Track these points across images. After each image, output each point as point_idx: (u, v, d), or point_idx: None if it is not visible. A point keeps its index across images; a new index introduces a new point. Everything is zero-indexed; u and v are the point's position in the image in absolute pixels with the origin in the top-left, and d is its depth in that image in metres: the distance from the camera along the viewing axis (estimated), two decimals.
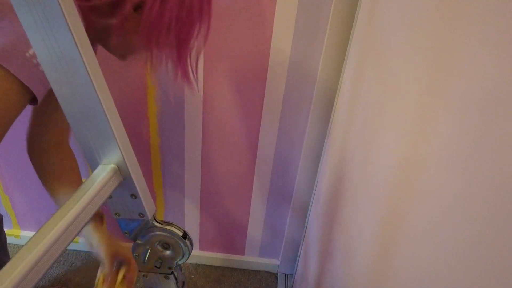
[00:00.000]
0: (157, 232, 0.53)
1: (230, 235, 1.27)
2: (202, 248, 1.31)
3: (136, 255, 0.56)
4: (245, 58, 0.89)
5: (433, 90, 0.38)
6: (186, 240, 0.54)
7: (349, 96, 0.76)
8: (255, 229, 1.24)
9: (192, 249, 0.55)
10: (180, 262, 0.56)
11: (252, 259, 1.32)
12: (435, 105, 0.37)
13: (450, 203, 0.33)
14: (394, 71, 0.50)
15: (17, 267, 0.33)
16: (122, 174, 0.48)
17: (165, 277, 0.58)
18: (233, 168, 1.09)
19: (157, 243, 0.55)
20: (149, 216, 0.52)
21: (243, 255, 1.32)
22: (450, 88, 0.34)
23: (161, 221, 0.54)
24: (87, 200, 0.42)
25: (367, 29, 0.68)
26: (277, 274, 1.33)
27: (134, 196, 0.50)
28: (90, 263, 1.29)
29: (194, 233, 1.27)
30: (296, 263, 1.24)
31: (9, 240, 1.32)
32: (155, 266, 0.56)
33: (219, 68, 0.91)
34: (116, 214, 0.52)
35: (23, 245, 0.36)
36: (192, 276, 1.30)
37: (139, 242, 0.55)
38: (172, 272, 0.57)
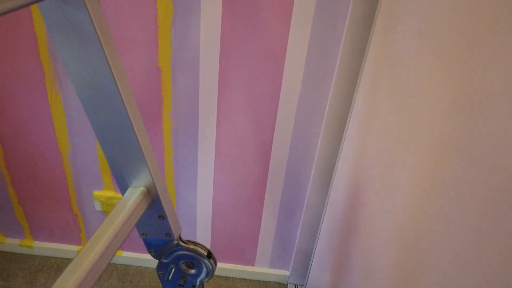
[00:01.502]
0: (183, 252, 0.54)
1: (240, 246, 1.28)
2: None
3: (160, 273, 0.58)
4: (258, 72, 0.91)
5: (454, 114, 0.39)
6: (211, 259, 0.55)
7: (364, 111, 0.77)
8: (266, 240, 1.25)
9: (216, 267, 0.56)
10: (204, 281, 0.57)
11: (262, 270, 1.33)
12: (456, 129, 0.38)
13: (472, 225, 0.34)
14: (411, 87, 0.51)
15: None
16: (151, 196, 0.49)
17: None
18: (245, 180, 1.10)
19: (182, 262, 0.56)
20: (175, 236, 0.53)
21: (253, 265, 1.33)
22: (472, 115, 0.36)
23: (186, 240, 0.55)
24: (120, 226, 0.44)
25: (382, 47, 0.70)
26: (287, 285, 1.34)
27: (162, 217, 0.51)
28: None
29: (205, 244, 1.28)
30: (307, 274, 1.24)
31: (22, 250, 1.33)
32: (179, 284, 0.58)
33: (233, 82, 0.93)
34: (143, 234, 0.54)
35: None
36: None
37: (164, 261, 0.56)
38: None
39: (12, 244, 1.31)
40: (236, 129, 1.00)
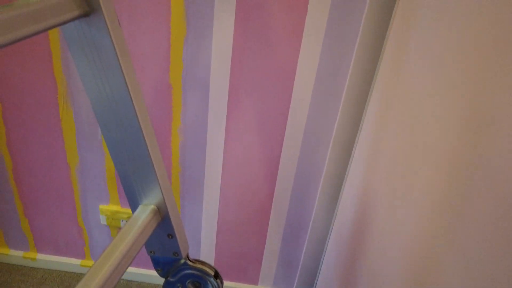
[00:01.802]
0: (190, 271, 0.54)
1: (244, 264, 1.27)
2: None
3: None
4: (268, 91, 0.92)
5: (465, 134, 0.39)
6: (218, 280, 0.55)
7: (373, 131, 0.77)
8: (270, 259, 1.24)
9: (222, 287, 0.56)
10: None
11: None
12: (468, 151, 0.38)
13: (485, 245, 0.34)
14: (422, 108, 0.52)
15: None
16: (161, 214, 0.50)
17: None
18: (251, 198, 1.10)
19: (188, 281, 0.56)
20: (183, 255, 0.53)
21: (257, 284, 1.32)
22: (484, 135, 0.36)
23: (194, 259, 0.55)
24: (130, 244, 0.44)
25: (393, 67, 0.70)
26: None
27: (171, 235, 0.51)
28: None
29: (209, 262, 1.27)
30: None
31: (25, 262, 1.33)
32: None
33: (243, 101, 0.94)
34: (151, 252, 0.53)
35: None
36: None
37: (171, 279, 0.56)
38: None
39: (15, 256, 1.31)
40: (243, 147, 1.01)
